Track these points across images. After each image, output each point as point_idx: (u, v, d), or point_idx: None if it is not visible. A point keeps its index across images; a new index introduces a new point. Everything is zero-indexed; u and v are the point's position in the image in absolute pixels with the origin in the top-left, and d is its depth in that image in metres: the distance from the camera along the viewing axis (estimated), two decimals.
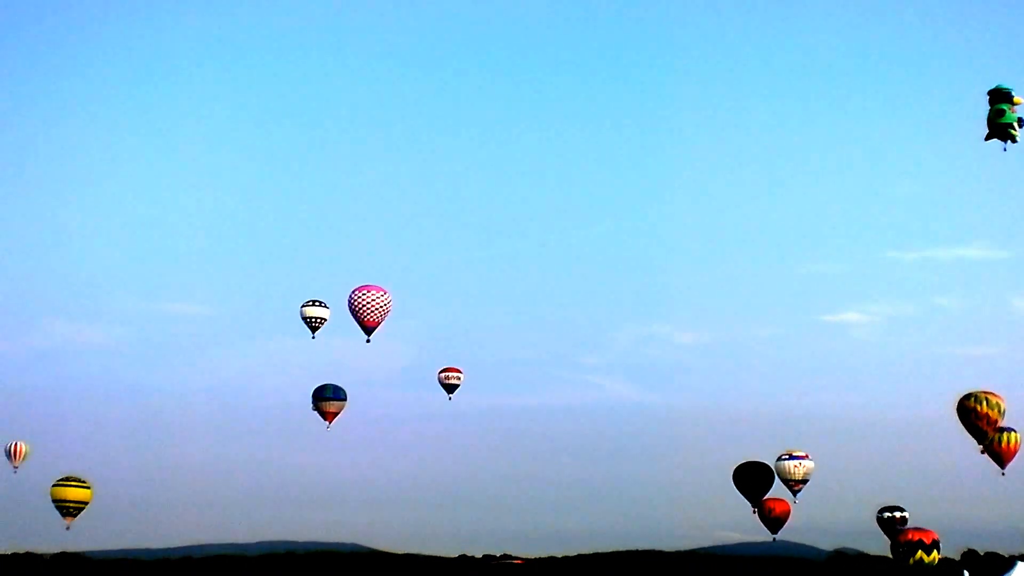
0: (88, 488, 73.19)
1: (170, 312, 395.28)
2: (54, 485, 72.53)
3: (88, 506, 73.06)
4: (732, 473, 71.42)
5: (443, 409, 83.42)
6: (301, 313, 74.09)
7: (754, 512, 70.96)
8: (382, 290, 73.29)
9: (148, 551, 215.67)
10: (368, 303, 72.45)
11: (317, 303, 74.19)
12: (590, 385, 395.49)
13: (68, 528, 72.53)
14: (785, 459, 70.56)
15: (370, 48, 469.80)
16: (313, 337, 73.89)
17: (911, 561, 58.26)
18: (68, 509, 71.93)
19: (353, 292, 73.19)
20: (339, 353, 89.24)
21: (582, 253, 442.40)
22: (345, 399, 75.21)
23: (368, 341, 73.21)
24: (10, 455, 79.84)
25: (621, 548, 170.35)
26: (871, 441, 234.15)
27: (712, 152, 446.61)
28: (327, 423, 74.72)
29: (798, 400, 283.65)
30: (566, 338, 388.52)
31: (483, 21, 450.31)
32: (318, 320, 73.97)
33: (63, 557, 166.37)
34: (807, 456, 71.06)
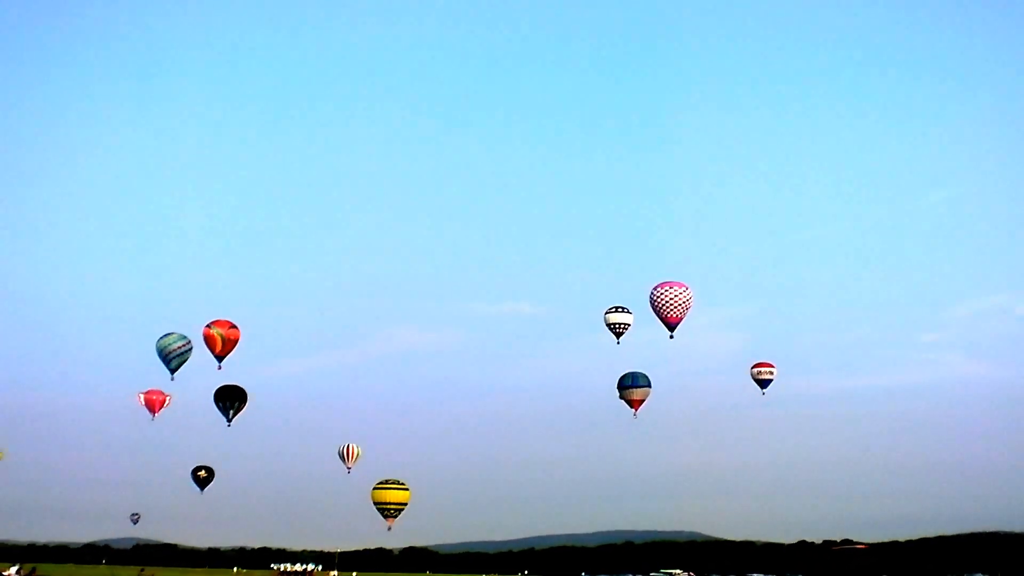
0: (407, 490, 76.35)
1: (501, 313, 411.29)
2: (375, 488, 76.02)
3: (408, 506, 76.26)
4: None
5: (766, 397, 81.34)
6: (605, 320, 73.77)
7: None
8: (683, 285, 71.78)
9: (491, 543, 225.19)
10: (669, 299, 70.99)
11: (620, 309, 73.41)
12: (928, 363, 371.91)
13: (390, 529, 75.97)
14: None
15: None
16: (618, 343, 73.17)
17: None
18: (389, 511, 75.27)
19: (655, 289, 71.89)
20: (647, 349, 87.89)
21: (915, 226, 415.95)
22: (649, 386, 74.58)
23: (671, 337, 71.71)
24: (344, 457, 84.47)
25: (966, 531, 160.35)
26: None
27: None
28: (634, 411, 74.31)
29: None
30: (901, 315, 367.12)
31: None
32: (622, 326, 73.27)
33: (411, 552, 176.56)
34: None
